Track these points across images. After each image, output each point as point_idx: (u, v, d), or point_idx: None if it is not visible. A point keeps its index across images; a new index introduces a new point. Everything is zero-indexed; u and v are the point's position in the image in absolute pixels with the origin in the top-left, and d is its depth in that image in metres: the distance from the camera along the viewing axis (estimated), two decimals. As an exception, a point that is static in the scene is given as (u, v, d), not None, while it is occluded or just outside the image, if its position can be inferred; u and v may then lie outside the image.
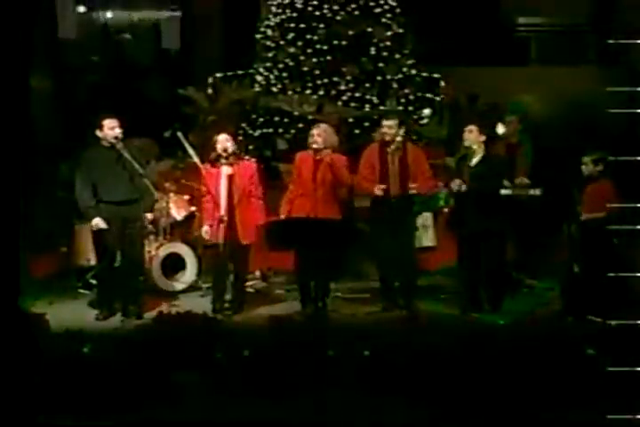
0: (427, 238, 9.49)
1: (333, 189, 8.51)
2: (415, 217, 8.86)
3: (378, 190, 8.43)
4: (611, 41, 11.73)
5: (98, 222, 8.19)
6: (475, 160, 8.39)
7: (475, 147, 8.38)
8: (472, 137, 8.38)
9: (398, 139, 8.51)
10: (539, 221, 9.26)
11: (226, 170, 8.40)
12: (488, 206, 8.19)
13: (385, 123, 8.60)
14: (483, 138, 8.43)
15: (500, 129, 9.88)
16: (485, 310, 8.35)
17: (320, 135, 8.49)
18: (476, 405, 6.29)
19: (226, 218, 8.26)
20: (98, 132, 8.25)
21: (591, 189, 8.17)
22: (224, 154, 8.39)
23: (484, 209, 8.18)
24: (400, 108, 11.73)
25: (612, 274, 7.61)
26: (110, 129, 8.22)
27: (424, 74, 12.58)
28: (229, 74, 12.45)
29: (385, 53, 12.05)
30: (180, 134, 9.85)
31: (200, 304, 8.55)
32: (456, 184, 8.26)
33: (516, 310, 8.44)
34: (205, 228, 8.48)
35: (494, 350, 6.66)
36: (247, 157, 9.52)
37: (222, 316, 8.06)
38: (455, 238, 8.63)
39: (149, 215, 8.52)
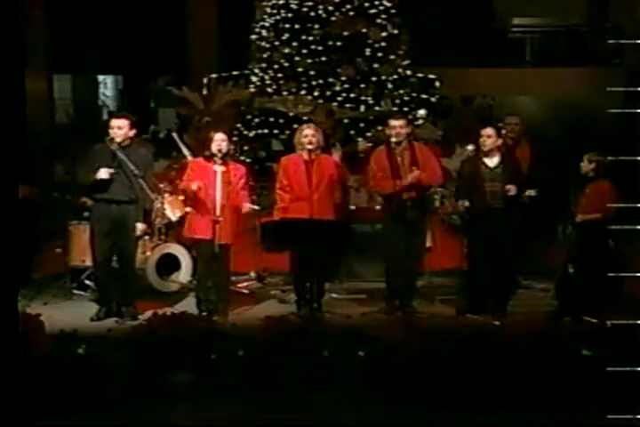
0: (423, 239, 9.46)
1: (329, 189, 8.45)
2: (425, 218, 8.80)
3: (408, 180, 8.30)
4: (610, 41, 11.73)
5: (103, 172, 8.07)
6: (494, 163, 8.34)
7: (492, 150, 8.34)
8: (491, 141, 8.33)
9: (393, 139, 8.47)
10: (535, 221, 9.26)
11: (219, 169, 8.33)
12: (512, 208, 8.18)
13: (394, 123, 8.46)
14: (500, 141, 8.39)
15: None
16: (483, 311, 8.33)
17: (315, 136, 8.42)
18: (474, 405, 6.28)
19: (221, 219, 8.22)
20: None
21: (589, 190, 8.17)
22: (219, 154, 8.33)
23: (508, 211, 8.17)
24: (395, 108, 11.75)
25: (611, 274, 7.63)
26: (110, 128, 8.21)
27: (419, 75, 12.60)
28: (224, 75, 12.46)
29: (380, 54, 12.07)
30: (175, 135, 9.86)
31: (195, 305, 8.53)
32: (511, 190, 8.14)
33: (513, 310, 8.43)
34: (196, 183, 8.35)
35: (491, 350, 6.64)
36: (242, 159, 9.51)
37: (218, 316, 8.03)
38: (454, 240, 8.61)
39: (140, 225, 8.42)
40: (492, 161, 8.36)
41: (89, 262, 8.89)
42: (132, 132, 8.30)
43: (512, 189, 8.14)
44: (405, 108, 11.94)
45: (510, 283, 8.55)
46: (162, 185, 9.55)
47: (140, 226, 8.34)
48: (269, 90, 12.07)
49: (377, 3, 12.17)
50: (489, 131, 8.37)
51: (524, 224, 8.94)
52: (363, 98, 11.89)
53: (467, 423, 6.26)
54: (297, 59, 11.90)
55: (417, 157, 8.42)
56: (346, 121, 11.60)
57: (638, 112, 7.47)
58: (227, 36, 14.56)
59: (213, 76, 12.45)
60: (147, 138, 11.90)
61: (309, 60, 11.85)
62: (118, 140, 8.17)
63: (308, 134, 8.40)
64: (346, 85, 11.87)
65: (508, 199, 8.17)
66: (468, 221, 8.56)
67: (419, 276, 8.98)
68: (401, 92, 12.16)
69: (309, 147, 8.36)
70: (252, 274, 9.91)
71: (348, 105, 11.78)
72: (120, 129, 8.21)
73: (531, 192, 9.25)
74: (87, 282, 9.22)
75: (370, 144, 10.15)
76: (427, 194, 9.11)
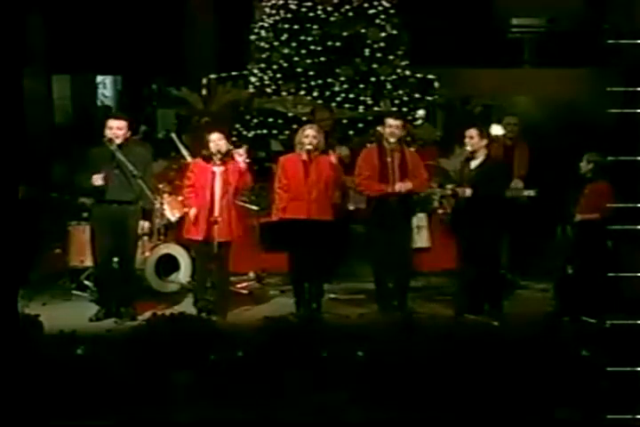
0: (421, 239, 9.48)
1: (327, 190, 8.46)
2: (410, 217, 8.85)
3: (399, 187, 8.38)
4: (609, 41, 11.72)
5: (97, 178, 8.11)
6: (475, 163, 8.37)
7: (477, 150, 8.36)
8: (474, 142, 8.35)
9: (388, 138, 8.50)
10: (533, 221, 9.26)
11: (218, 169, 8.33)
12: (488, 209, 8.17)
13: (391, 122, 8.52)
14: (484, 142, 8.40)
15: (495, 130, 9.87)
16: (481, 311, 8.33)
17: (316, 137, 8.43)
18: (473, 406, 6.28)
19: (220, 219, 8.22)
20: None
21: (588, 190, 8.18)
22: (219, 154, 8.33)
23: (484, 212, 8.15)
24: (394, 109, 11.74)
25: (611, 274, 7.64)
26: (109, 129, 8.22)
27: (418, 75, 12.59)
28: (223, 75, 12.45)
29: (379, 54, 12.05)
30: (174, 135, 9.86)
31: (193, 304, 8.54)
32: (464, 192, 8.22)
33: (512, 310, 8.43)
34: (193, 210, 8.38)
35: (489, 351, 6.64)
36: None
37: (217, 317, 8.03)
38: (452, 240, 8.63)
39: (144, 223, 8.44)
40: (474, 162, 8.40)
41: (88, 263, 8.90)
42: (129, 133, 8.33)
43: (461, 192, 8.20)
44: (404, 109, 11.93)
45: (498, 282, 8.54)
46: (161, 185, 9.55)
47: (142, 223, 8.38)
48: (268, 90, 12.05)
49: (376, 3, 12.15)
50: (471, 131, 8.40)
51: (524, 224, 8.98)
52: (362, 98, 11.87)
53: (466, 423, 6.26)
54: (296, 59, 11.88)
55: (407, 159, 8.47)
56: (345, 121, 11.59)
57: (638, 112, 7.46)
58: (225, 36, 14.54)
59: (212, 76, 12.44)
60: (139, 138, 11.90)
61: (308, 61, 11.83)
62: (118, 141, 8.17)
63: (309, 135, 8.44)
64: (345, 86, 11.85)
65: (487, 200, 8.18)
66: (452, 220, 8.61)
67: (414, 276, 8.98)
68: (400, 92, 12.14)
69: (309, 147, 8.39)
70: (251, 274, 9.92)
71: (346, 105, 11.77)
72: (120, 129, 8.22)
73: (530, 192, 9.27)
74: (86, 282, 9.23)
75: (347, 152, 10.18)
76: (425, 194, 9.16)
